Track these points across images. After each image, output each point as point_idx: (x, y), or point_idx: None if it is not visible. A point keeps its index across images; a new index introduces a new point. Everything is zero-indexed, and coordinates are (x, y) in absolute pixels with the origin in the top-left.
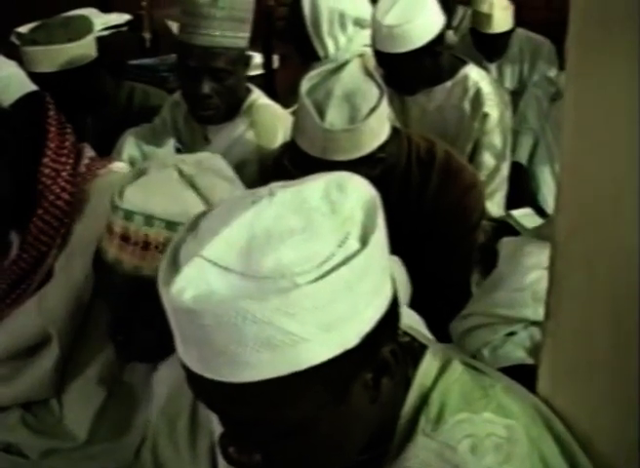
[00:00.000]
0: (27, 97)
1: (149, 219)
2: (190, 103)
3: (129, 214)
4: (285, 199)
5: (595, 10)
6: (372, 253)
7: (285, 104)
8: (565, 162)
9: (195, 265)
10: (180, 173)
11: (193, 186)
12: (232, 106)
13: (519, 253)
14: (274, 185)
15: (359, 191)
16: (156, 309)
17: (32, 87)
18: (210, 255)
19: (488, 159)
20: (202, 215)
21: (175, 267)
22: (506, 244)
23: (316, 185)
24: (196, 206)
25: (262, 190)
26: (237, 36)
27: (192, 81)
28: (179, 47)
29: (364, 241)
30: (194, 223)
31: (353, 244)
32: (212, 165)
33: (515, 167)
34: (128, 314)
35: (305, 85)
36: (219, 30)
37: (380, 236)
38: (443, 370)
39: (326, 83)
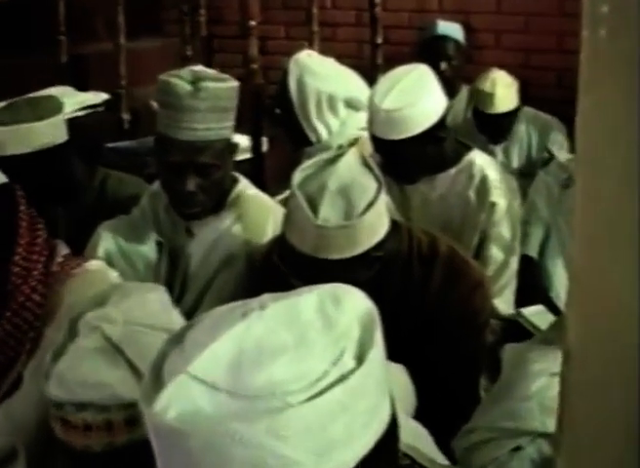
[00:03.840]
0: None
1: (80, 406)
2: (173, 200)
3: (59, 405)
4: (277, 313)
5: (605, 82)
6: (368, 371)
7: (275, 191)
8: (576, 256)
9: (180, 382)
10: (107, 339)
11: (122, 355)
12: (218, 199)
13: (523, 360)
14: (265, 297)
15: (355, 305)
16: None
17: (1, 177)
18: (196, 372)
19: (496, 253)
20: (188, 327)
21: (158, 384)
22: (509, 351)
23: (310, 298)
24: (126, 383)
25: (253, 302)
26: (222, 127)
27: (175, 177)
28: (158, 140)
29: (360, 358)
30: (179, 336)
31: (349, 361)
32: (144, 316)
33: (525, 260)
34: None
35: (298, 176)
36: (202, 123)
37: (377, 353)
38: None
39: (320, 175)
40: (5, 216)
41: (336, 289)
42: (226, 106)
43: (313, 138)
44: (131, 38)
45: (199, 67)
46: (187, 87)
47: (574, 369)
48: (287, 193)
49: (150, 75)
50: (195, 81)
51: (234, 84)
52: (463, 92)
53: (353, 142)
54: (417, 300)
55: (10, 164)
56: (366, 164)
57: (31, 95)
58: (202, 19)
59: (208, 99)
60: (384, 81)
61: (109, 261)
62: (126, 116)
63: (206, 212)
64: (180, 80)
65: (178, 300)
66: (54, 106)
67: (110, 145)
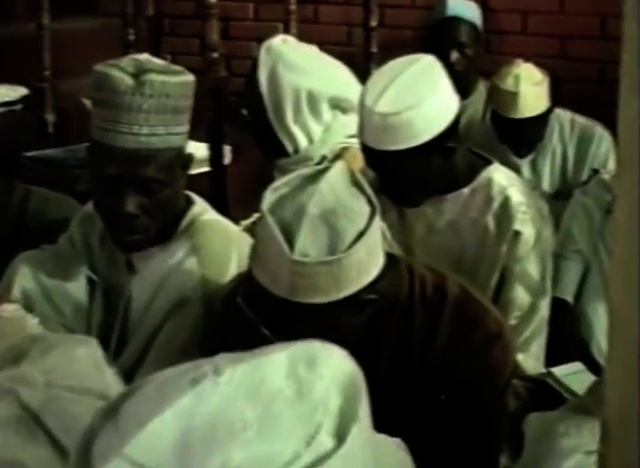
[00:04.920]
0: None
1: None
2: (109, 225)
3: None
4: (235, 379)
5: None
6: (351, 451)
7: (239, 216)
8: (616, 299)
9: (114, 467)
10: (23, 405)
11: (41, 426)
12: (166, 225)
13: (552, 433)
14: (221, 359)
15: (335, 367)
16: None
17: None
18: (134, 454)
19: (521, 295)
20: (124, 397)
21: None
22: (535, 421)
23: (277, 360)
24: (45, 462)
25: (205, 365)
26: (172, 132)
27: (111, 195)
28: (91, 148)
29: (340, 436)
30: (113, 407)
31: (326, 440)
32: (70, 377)
33: (558, 304)
34: None
35: (269, 198)
36: (146, 127)
37: (362, 428)
38: None
39: (297, 196)
40: None
41: (310, 347)
42: (178, 106)
43: (289, 148)
44: (57, 17)
45: (144, 56)
46: (128, 80)
47: (614, 447)
48: (254, 218)
49: (82, 65)
50: (138, 73)
51: (189, 78)
52: (480, 90)
53: (340, 154)
54: (419, 356)
55: None
56: (356, 182)
57: None
58: None
59: (154, 97)
60: (379, 76)
61: (28, 304)
62: (50, 117)
63: (151, 241)
64: (119, 72)
65: (115, 355)
66: None
67: (30, 154)
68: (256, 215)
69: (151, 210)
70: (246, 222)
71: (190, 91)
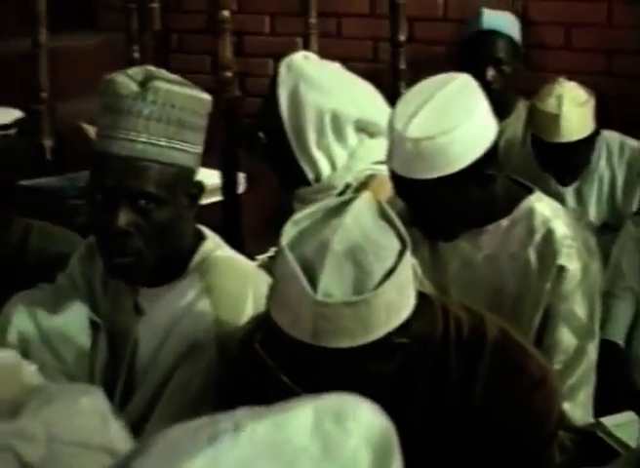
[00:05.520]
0: None
1: None
2: (100, 243)
3: None
4: (256, 436)
5: None
6: None
7: (255, 250)
8: None
9: None
10: (23, 463)
11: None
12: (170, 258)
13: None
14: (241, 414)
15: (365, 423)
16: None
17: None
18: None
19: (567, 337)
20: (134, 455)
21: None
22: None
23: (303, 415)
24: None
25: (224, 421)
26: (175, 147)
27: (105, 213)
28: (92, 162)
29: None
30: (122, 466)
31: None
32: (73, 431)
33: (608, 348)
34: None
35: (289, 232)
36: (144, 134)
37: None
38: None
39: (320, 231)
40: None
41: (338, 400)
42: (184, 120)
43: (310, 175)
44: (55, 33)
45: (159, 69)
46: (133, 86)
47: None
48: (271, 252)
49: (82, 86)
50: (145, 81)
51: (201, 94)
52: (520, 110)
53: (366, 182)
54: (456, 400)
55: None
56: (384, 215)
57: None
58: (155, 7)
59: (156, 104)
60: (410, 97)
61: (24, 349)
62: (48, 142)
63: (145, 269)
64: (125, 78)
65: (121, 405)
66: None
67: (25, 183)
68: (273, 250)
69: (145, 230)
70: (262, 257)
71: (203, 109)
